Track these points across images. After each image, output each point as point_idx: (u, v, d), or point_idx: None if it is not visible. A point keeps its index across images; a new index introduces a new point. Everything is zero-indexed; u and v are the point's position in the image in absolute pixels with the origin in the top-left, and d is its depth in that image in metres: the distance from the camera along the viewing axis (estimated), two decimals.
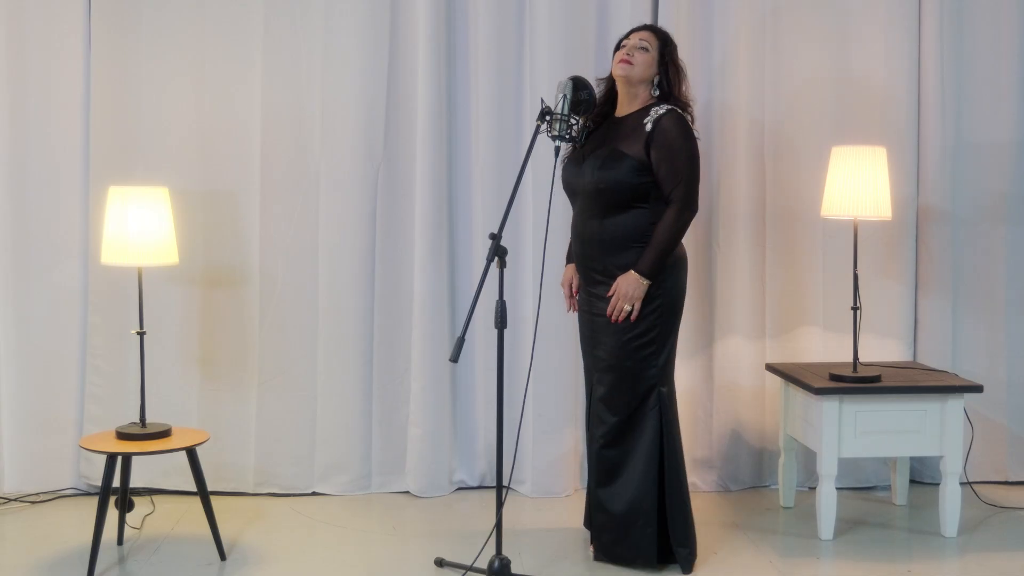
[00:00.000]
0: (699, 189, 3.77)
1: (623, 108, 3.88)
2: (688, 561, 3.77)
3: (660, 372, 3.76)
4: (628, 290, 3.69)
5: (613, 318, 3.72)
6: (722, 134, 4.69)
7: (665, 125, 3.71)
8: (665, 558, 3.78)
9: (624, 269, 3.73)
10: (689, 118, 3.80)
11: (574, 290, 3.98)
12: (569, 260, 4.03)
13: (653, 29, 3.94)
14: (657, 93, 3.82)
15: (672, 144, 3.70)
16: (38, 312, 4.60)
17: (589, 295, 3.86)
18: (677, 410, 3.85)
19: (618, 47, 3.91)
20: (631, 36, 3.88)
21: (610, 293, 3.73)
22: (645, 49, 3.82)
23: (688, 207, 3.73)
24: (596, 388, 3.84)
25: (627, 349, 3.74)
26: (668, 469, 3.75)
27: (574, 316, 4.37)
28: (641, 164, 3.70)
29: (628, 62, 3.80)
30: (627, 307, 3.70)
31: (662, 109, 3.74)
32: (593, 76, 4.00)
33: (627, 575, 3.78)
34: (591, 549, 3.93)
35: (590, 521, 4.02)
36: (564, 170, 3.92)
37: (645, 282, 3.69)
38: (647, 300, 3.71)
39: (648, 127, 3.72)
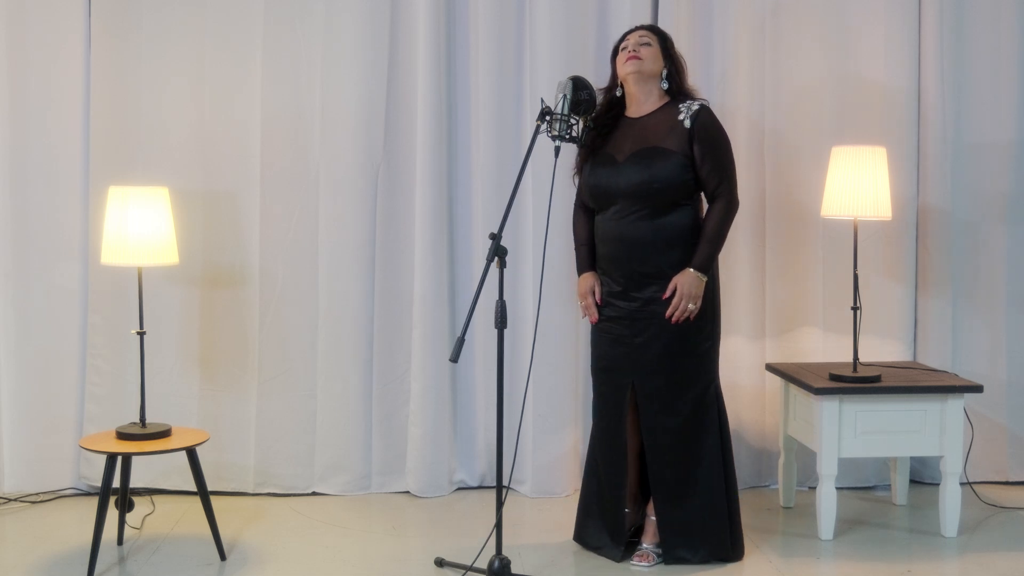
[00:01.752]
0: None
1: (640, 107, 3.88)
2: (742, 549, 3.92)
3: (715, 367, 3.87)
4: (690, 288, 3.71)
5: (676, 318, 3.73)
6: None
7: (705, 121, 3.77)
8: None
9: (676, 267, 3.74)
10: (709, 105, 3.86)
11: (598, 298, 3.91)
12: (585, 268, 3.95)
13: (648, 26, 3.97)
14: (666, 87, 3.85)
15: (715, 139, 3.77)
16: (38, 312, 4.60)
17: (631, 300, 3.80)
18: None
19: (615, 53, 3.92)
20: (629, 36, 3.89)
21: (667, 294, 3.73)
22: (648, 44, 3.84)
23: (733, 201, 3.81)
24: (646, 394, 3.79)
25: (687, 347, 3.77)
26: (729, 463, 3.88)
27: (574, 316, 4.39)
28: (688, 159, 3.74)
29: (637, 57, 3.81)
30: (691, 306, 3.72)
31: (695, 105, 3.79)
32: (593, 76, 4.01)
33: (630, 573, 3.78)
34: (641, 559, 3.83)
35: (581, 536, 3.99)
36: (593, 175, 3.86)
37: (703, 279, 3.74)
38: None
39: (687, 123, 3.75)
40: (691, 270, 3.72)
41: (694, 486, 3.82)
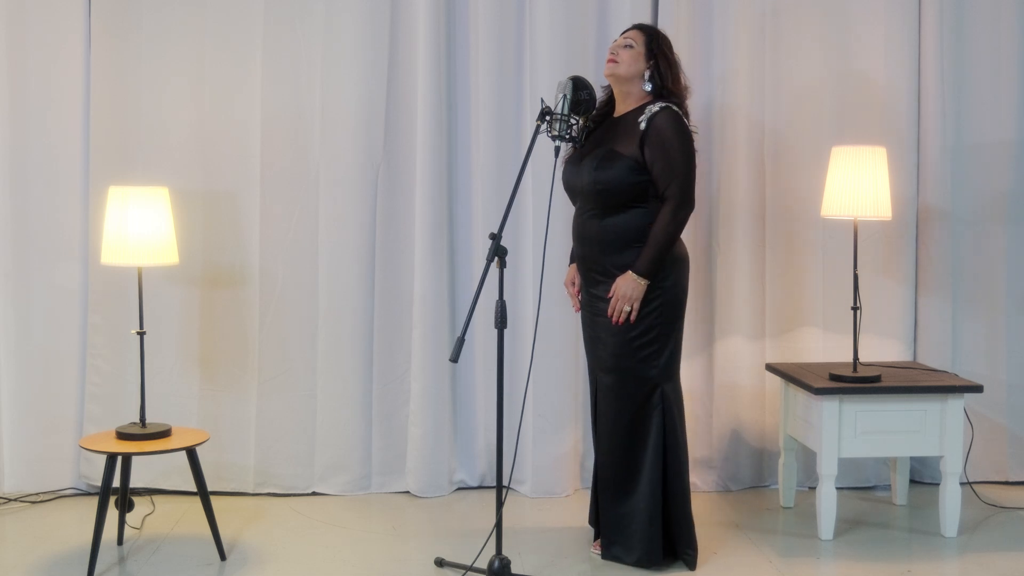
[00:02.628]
0: (695, 186, 3.77)
1: (619, 108, 3.89)
2: (692, 559, 3.80)
3: (662, 371, 3.76)
4: (626, 291, 3.69)
5: (613, 319, 3.73)
6: (722, 134, 4.69)
7: (659, 123, 3.70)
8: (667, 556, 3.81)
9: (623, 269, 3.73)
10: (683, 112, 3.77)
11: (577, 289, 3.97)
12: (572, 260, 4.02)
13: (638, 26, 3.94)
14: (649, 88, 3.81)
15: (666, 141, 3.69)
16: (38, 312, 4.60)
17: (590, 295, 3.87)
18: (683, 408, 3.86)
19: None
20: (619, 37, 3.90)
21: (609, 294, 3.74)
22: (630, 46, 3.81)
23: (684, 204, 3.71)
24: (600, 388, 3.85)
25: (628, 349, 3.74)
26: (671, 468, 3.77)
27: (574, 316, 4.38)
28: (637, 163, 3.70)
29: (613, 60, 3.82)
30: (626, 308, 3.70)
31: (656, 107, 3.74)
32: (593, 76, 4.01)
33: (628, 574, 3.78)
34: (595, 548, 3.94)
35: (595, 518, 4.03)
36: (564, 170, 3.93)
37: (643, 282, 3.69)
38: (646, 300, 3.71)
39: (642, 126, 3.72)
40: (630, 273, 3.69)
41: (632, 487, 3.78)
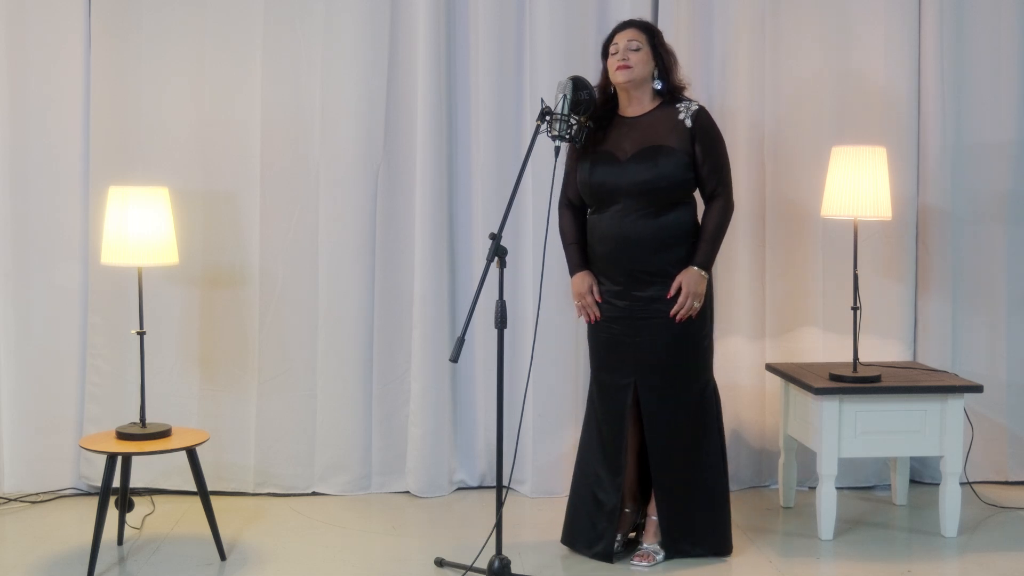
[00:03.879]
0: None
1: (635, 107, 3.88)
2: (731, 546, 3.95)
3: (711, 363, 3.92)
4: (696, 286, 3.75)
5: (682, 316, 3.75)
6: (722, 134, 4.68)
7: (705, 121, 3.81)
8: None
9: (677, 266, 3.76)
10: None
11: (597, 297, 3.89)
12: (579, 268, 3.92)
13: (635, 24, 3.92)
14: (660, 86, 3.85)
15: (715, 140, 3.83)
16: (38, 312, 4.60)
17: (632, 299, 3.80)
18: None
19: (605, 51, 3.91)
20: (617, 38, 3.87)
21: (672, 293, 3.75)
22: (637, 48, 3.82)
23: (731, 201, 3.86)
24: (648, 391, 3.80)
25: (688, 344, 3.80)
26: (724, 457, 3.93)
27: (574, 316, 4.37)
28: (690, 159, 3.77)
29: (627, 66, 3.80)
30: (696, 304, 3.75)
31: (694, 106, 3.83)
32: (593, 76, 4.00)
33: (630, 572, 3.78)
34: (643, 560, 3.83)
35: (571, 539, 3.97)
36: (594, 173, 3.83)
37: (705, 276, 3.77)
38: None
39: (688, 123, 3.78)
40: (694, 268, 3.75)
41: (697, 483, 3.85)
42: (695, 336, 3.81)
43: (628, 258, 3.80)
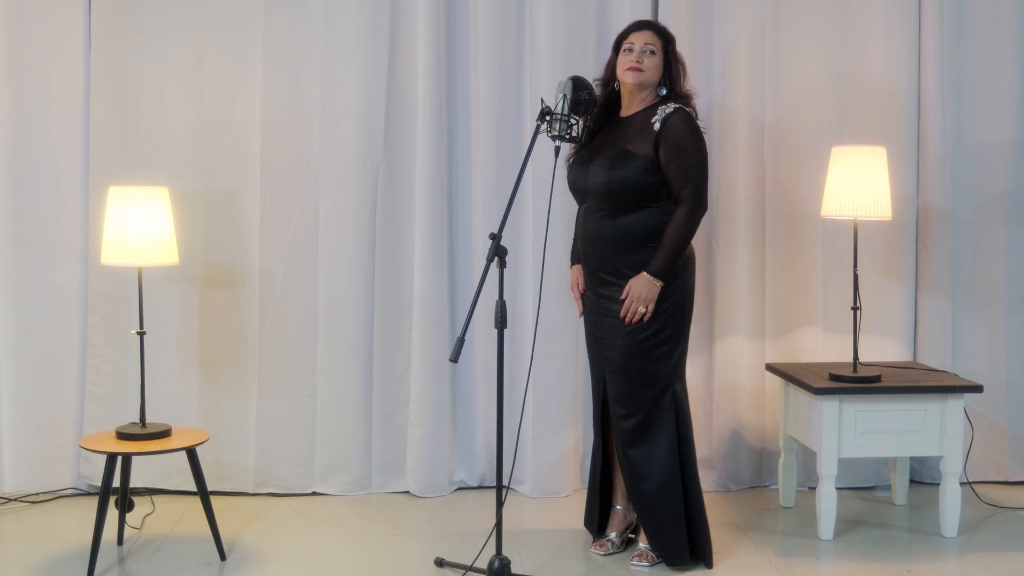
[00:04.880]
0: (708, 188, 3.79)
1: (628, 108, 3.88)
2: (710, 557, 3.82)
3: (673, 371, 3.79)
4: (642, 292, 3.69)
5: (627, 320, 3.72)
6: (722, 134, 4.69)
7: (673, 124, 3.71)
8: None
9: (635, 269, 3.72)
10: (693, 111, 3.80)
11: (582, 291, 3.95)
12: (575, 262, 4.01)
13: (654, 28, 3.91)
14: (664, 92, 3.84)
15: (681, 143, 3.70)
16: (38, 312, 4.60)
17: (598, 296, 3.85)
18: (690, 408, 3.88)
19: (618, 44, 3.89)
20: (633, 37, 3.85)
21: (623, 296, 3.72)
22: (653, 53, 3.81)
23: (698, 206, 3.73)
24: (610, 390, 3.83)
25: (640, 349, 3.74)
26: (687, 468, 3.80)
27: (574, 316, 4.37)
28: (651, 163, 3.71)
29: (639, 69, 3.79)
30: (641, 309, 3.70)
31: (670, 108, 3.75)
32: (593, 76, 4.00)
33: (630, 572, 3.78)
34: (596, 548, 3.95)
35: (590, 520, 4.03)
36: (570, 171, 3.92)
37: (658, 283, 3.69)
38: (659, 300, 3.71)
39: (656, 126, 3.72)
40: (645, 274, 3.70)
41: (650, 489, 3.78)
42: (649, 341, 3.74)
43: (591, 257, 3.85)
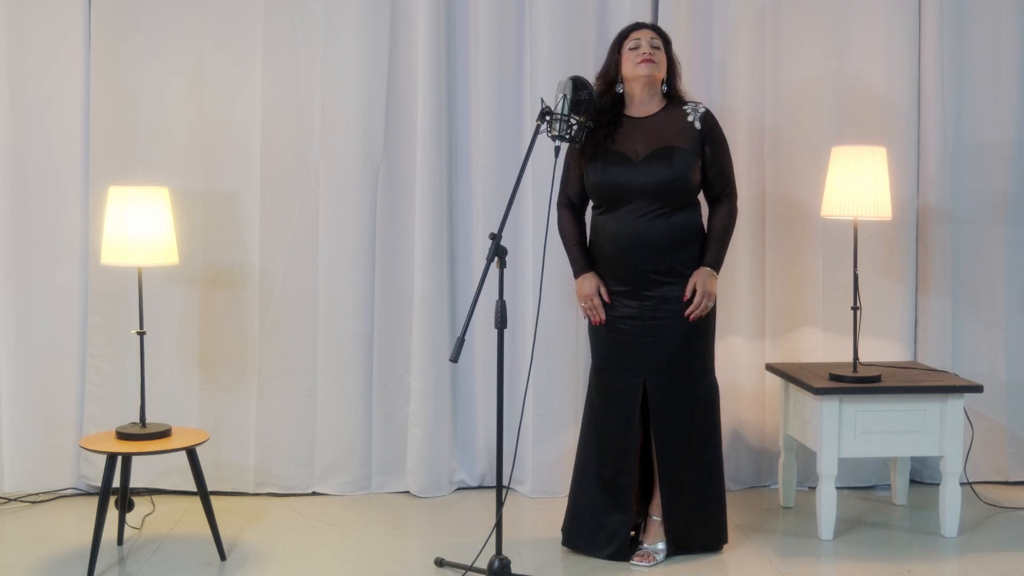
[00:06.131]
0: None
1: (643, 108, 3.89)
2: (724, 538, 4.01)
3: (713, 362, 3.95)
4: (709, 287, 3.79)
5: (696, 316, 3.78)
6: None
7: (712, 124, 3.88)
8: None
9: (688, 266, 3.80)
10: None
11: (606, 297, 3.87)
12: (585, 269, 3.90)
13: (656, 28, 3.98)
14: (665, 90, 3.91)
15: (721, 142, 3.90)
16: (38, 312, 4.60)
17: (643, 300, 3.81)
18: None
19: (619, 45, 3.90)
20: (637, 34, 3.88)
21: (688, 295, 3.78)
22: (659, 48, 3.88)
23: (736, 203, 3.93)
24: (658, 392, 3.81)
25: (697, 344, 3.84)
26: (719, 452, 3.95)
27: (574, 316, 4.39)
28: (700, 160, 3.83)
29: (652, 61, 3.84)
30: (709, 304, 3.80)
31: (701, 108, 3.89)
32: (593, 76, 4.00)
33: (630, 572, 3.78)
34: (643, 560, 3.83)
35: (569, 537, 3.98)
36: (608, 172, 3.83)
37: (716, 275, 3.82)
38: None
39: (698, 125, 3.82)
40: (706, 268, 3.80)
41: (703, 478, 3.89)
42: (703, 335, 3.86)
43: (641, 258, 3.80)
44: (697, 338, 3.84)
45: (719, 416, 3.95)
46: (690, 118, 3.84)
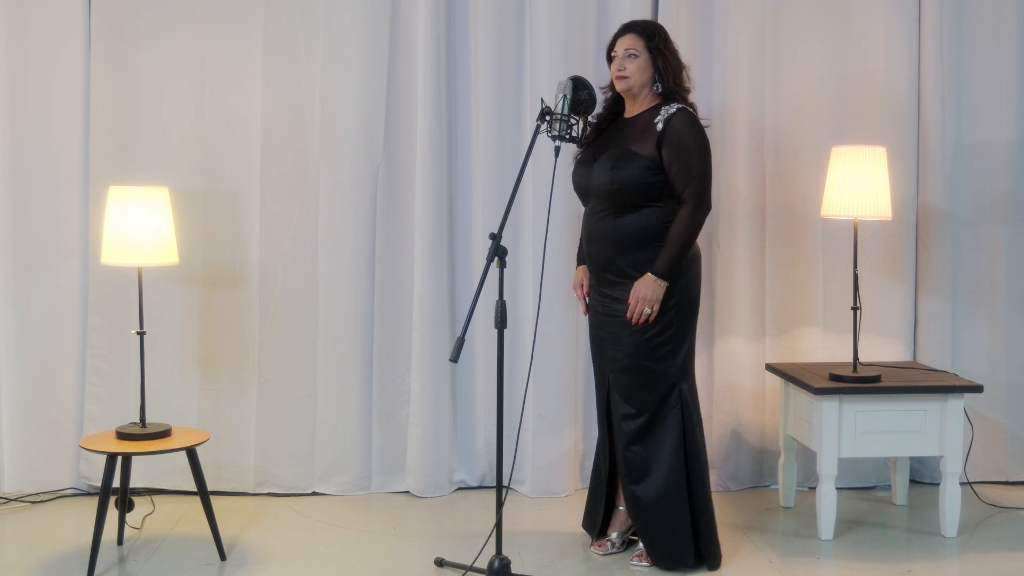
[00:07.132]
0: (711, 188, 3.79)
1: (632, 109, 3.89)
2: (717, 559, 3.80)
3: (679, 370, 3.78)
4: (647, 293, 3.69)
5: (633, 321, 3.72)
6: (722, 134, 4.68)
7: (676, 125, 3.72)
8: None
9: (638, 269, 3.72)
10: (693, 109, 3.80)
11: (586, 291, 3.96)
12: (580, 262, 4.01)
13: (634, 29, 3.87)
14: (660, 89, 3.83)
15: (684, 143, 3.70)
16: (38, 312, 4.60)
17: (602, 296, 3.85)
18: (699, 407, 3.87)
19: (609, 54, 3.90)
20: (617, 44, 3.86)
21: (631, 300, 3.71)
22: (634, 55, 3.81)
23: (701, 206, 3.73)
24: (614, 389, 3.83)
25: (645, 349, 3.74)
26: (693, 468, 3.78)
27: (574, 316, 4.39)
28: (653, 163, 3.71)
29: (623, 76, 3.81)
30: (646, 310, 3.70)
31: (673, 108, 3.75)
32: (593, 76, 4.02)
33: (630, 572, 3.78)
34: (596, 547, 3.96)
35: (591, 522, 4.03)
36: (575, 171, 3.92)
37: (663, 284, 3.69)
38: (664, 299, 3.70)
39: (659, 126, 3.73)
40: (650, 275, 3.69)
41: (648, 490, 3.77)
42: (654, 341, 3.73)
43: (595, 257, 3.85)
44: (646, 343, 3.72)
45: (685, 428, 3.76)
46: (657, 119, 3.74)
